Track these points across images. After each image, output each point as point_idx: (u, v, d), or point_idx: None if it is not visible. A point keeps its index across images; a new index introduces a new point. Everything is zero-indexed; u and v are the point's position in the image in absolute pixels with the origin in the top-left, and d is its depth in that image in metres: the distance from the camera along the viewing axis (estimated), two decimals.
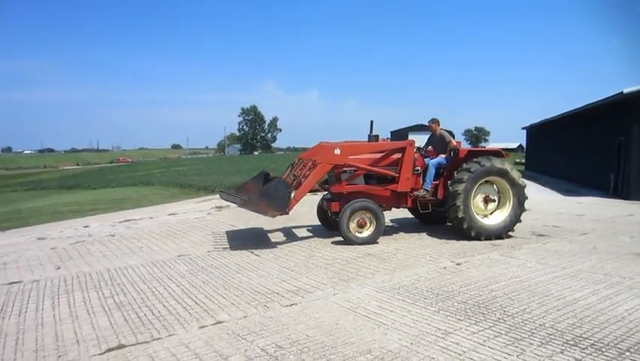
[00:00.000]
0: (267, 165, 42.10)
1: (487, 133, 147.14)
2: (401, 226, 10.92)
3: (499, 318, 5.02)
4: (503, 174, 9.21)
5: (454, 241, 9.08)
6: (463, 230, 9.05)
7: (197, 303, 5.68)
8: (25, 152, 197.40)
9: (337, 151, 8.93)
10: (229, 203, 15.38)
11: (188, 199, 20.22)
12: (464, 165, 9.11)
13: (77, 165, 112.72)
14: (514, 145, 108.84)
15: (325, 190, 9.93)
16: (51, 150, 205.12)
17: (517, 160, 57.67)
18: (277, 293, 5.98)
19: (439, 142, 9.87)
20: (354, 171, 9.27)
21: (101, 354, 4.30)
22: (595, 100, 20.55)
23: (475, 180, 9.01)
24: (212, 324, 4.96)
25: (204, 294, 6.03)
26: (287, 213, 8.71)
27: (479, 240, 9.06)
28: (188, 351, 4.29)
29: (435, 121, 10.11)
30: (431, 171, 9.51)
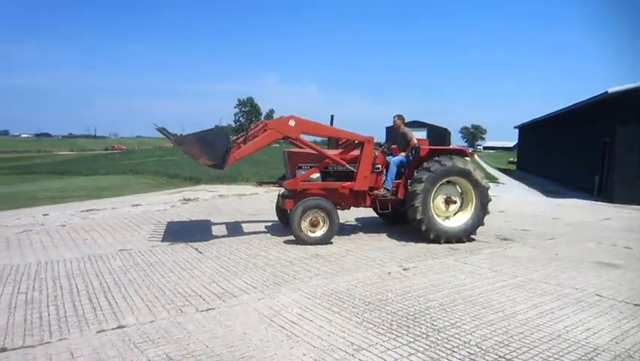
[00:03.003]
0: (259, 157, 41.65)
1: (484, 131, 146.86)
2: (363, 226, 10.56)
3: (423, 333, 4.65)
4: (465, 174, 8.83)
5: (412, 244, 8.71)
6: (422, 232, 8.68)
7: (110, 304, 5.31)
8: (22, 136, 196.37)
9: (291, 123, 8.44)
10: (197, 195, 15.13)
11: (164, 190, 19.80)
12: (425, 164, 8.73)
13: (72, 150, 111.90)
14: (511, 144, 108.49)
15: (281, 186, 9.54)
16: (48, 135, 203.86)
17: (511, 159, 57.41)
18: (199, 296, 5.61)
19: (401, 139, 9.48)
20: (310, 166, 8.87)
21: None
22: (582, 100, 20.19)
23: (435, 181, 8.63)
24: (113, 329, 4.59)
25: (123, 294, 5.65)
26: (221, 168, 8.27)
27: (439, 243, 8.70)
28: (70, 359, 3.93)
29: (400, 117, 9.72)
30: (392, 170, 9.14)
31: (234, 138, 8.81)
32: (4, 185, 26.04)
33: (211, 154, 7.75)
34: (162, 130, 8.42)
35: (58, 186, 23.91)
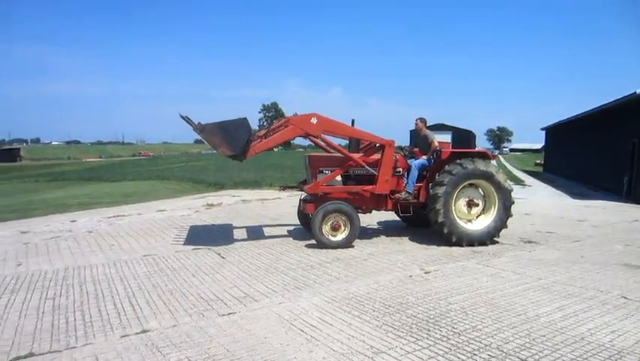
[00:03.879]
0: (283, 162, 42.02)
1: (510, 133, 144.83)
2: (385, 229, 10.52)
3: (443, 336, 4.62)
4: (488, 177, 8.73)
5: (434, 247, 8.65)
6: (444, 235, 8.62)
7: (134, 309, 5.42)
8: (52, 143, 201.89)
9: (313, 120, 8.43)
10: (221, 201, 15.30)
11: (189, 195, 20.08)
12: (446, 166, 8.67)
13: (100, 157, 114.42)
14: (538, 146, 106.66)
15: (302, 190, 9.58)
16: (77, 142, 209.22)
17: (538, 161, 56.46)
18: (221, 300, 5.68)
19: (423, 142, 9.44)
20: (331, 170, 8.89)
21: None
22: (610, 100, 19.76)
23: (457, 183, 8.56)
24: (136, 333, 4.69)
25: (147, 299, 5.77)
26: (240, 160, 8.23)
27: (461, 246, 8.62)
28: None
29: (422, 120, 9.67)
30: (414, 173, 9.10)
31: (256, 131, 8.85)
32: (35, 192, 26.81)
33: (231, 144, 7.74)
34: (186, 118, 8.54)
35: (87, 192, 24.44)
